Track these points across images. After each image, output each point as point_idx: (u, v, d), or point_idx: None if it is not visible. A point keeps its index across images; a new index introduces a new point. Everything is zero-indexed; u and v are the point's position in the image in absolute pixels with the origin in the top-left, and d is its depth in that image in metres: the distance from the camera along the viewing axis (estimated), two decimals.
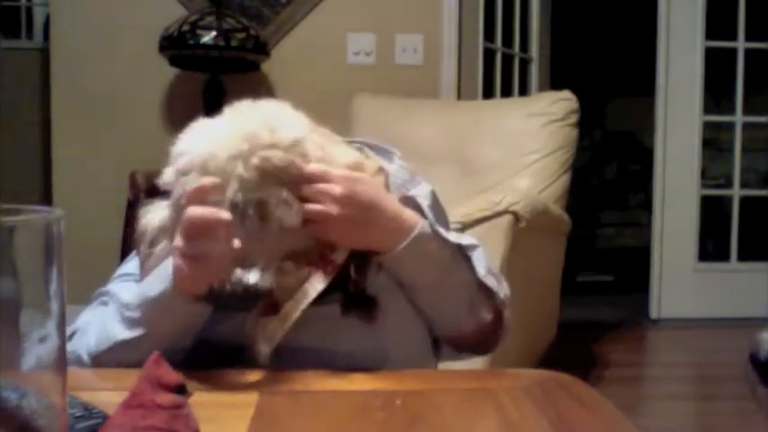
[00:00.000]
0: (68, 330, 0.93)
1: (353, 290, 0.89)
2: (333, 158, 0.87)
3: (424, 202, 0.95)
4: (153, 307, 0.84)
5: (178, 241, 0.80)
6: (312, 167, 0.84)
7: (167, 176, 0.84)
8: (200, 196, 0.78)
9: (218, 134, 0.84)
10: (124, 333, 0.86)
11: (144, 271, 0.89)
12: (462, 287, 0.94)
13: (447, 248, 0.93)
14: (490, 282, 0.96)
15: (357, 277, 0.89)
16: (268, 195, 0.81)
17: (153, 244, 0.87)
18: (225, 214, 0.77)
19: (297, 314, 0.83)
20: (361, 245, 0.88)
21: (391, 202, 0.90)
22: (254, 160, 0.80)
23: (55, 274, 0.42)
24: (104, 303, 0.95)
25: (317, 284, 0.84)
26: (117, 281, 0.98)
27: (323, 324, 0.87)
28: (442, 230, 0.93)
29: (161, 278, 0.84)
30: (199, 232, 0.78)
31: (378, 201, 0.88)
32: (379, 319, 0.89)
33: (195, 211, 0.77)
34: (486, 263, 0.97)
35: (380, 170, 0.93)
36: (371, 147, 1.03)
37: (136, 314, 0.86)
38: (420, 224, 0.91)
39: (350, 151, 0.92)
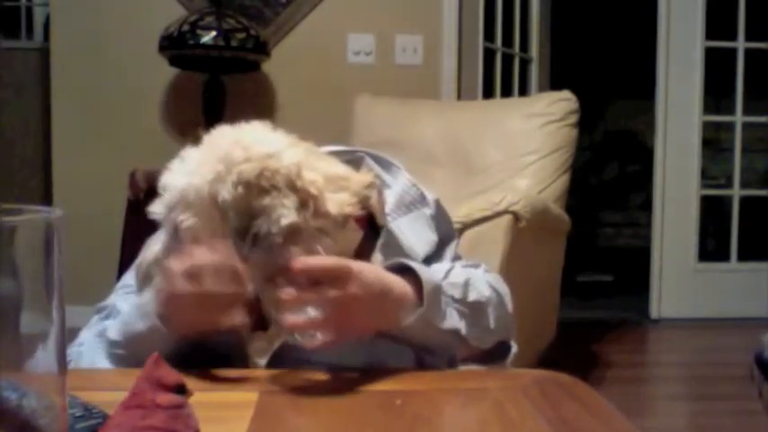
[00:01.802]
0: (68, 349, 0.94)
1: None
2: (318, 168, 0.85)
3: (419, 266, 0.89)
4: (139, 342, 0.84)
5: (181, 286, 0.80)
6: (296, 264, 0.79)
7: (157, 209, 0.85)
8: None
9: (194, 163, 0.84)
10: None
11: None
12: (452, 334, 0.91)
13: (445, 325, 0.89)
14: (491, 336, 0.93)
15: None
16: (261, 207, 0.80)
17: (147, 277, 0.87)
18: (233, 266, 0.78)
19: (283, 336, 0.83)
20: (363, 332, 0.85)
21: (382, 286, 0.84)
22: (232, 177, 0.80)
23: (55, 274, 0.42)
24: (106, 317, 0.96)
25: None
26: (120, 292, 0.98)
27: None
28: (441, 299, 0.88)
29: (145, 314, 0.84)
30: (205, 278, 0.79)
31: (369, 292, 0.82)
32: (367, 337, 0.88)
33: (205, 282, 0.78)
34: (486, 288, 0.94)
35: (371, 185, 0.89)
36: (374, 157, 1.01)
37: (123, 352, 0.86)
38: (417, 305, 0.86)
39: (335, 164, 0.90)
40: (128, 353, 0.85)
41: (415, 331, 0.85)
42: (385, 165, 1.01)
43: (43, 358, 0.42)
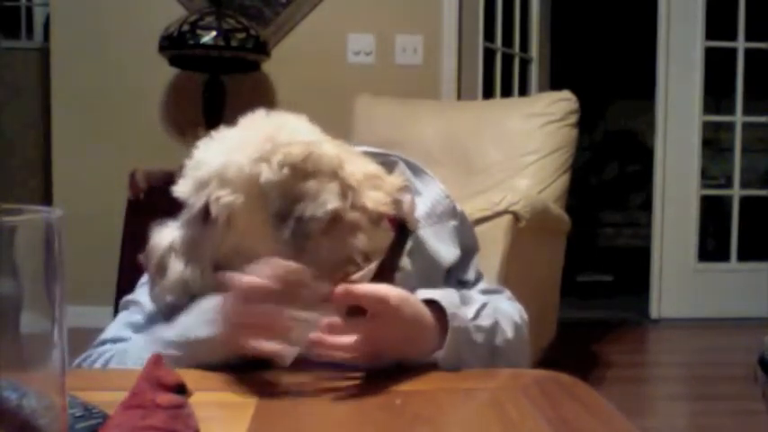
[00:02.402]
0: (97, 340, 0.92)
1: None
2: (352, 166, 0.84)
3: (450, 300, 0.86)
4: (200, 346, 0.81)
5: (234, 309, 0.76)
6: (362, 289, 0.78)
7: (184, 188, 0.82)
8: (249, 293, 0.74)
9: (236, 141, 0.82)
10: None
11: (155, 292, 0.86)
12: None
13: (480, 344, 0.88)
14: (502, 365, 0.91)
15: None
16: (305, 191, 0.78)
17: (161, 265, 0.84)
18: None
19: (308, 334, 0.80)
20: (386, 359, 0.83)
21: (415, 322, 0.82)
22: (278, 157, 0.78)
23: (55, 274, 0.42)
24: (136, 312, 0.92)
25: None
26: (144, 288, 0.94)
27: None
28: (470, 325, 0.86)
29: (205, 321, 0.80)
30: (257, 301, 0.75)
31: (402, 327, 0.81)
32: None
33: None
34: (510, 328, 0.93)
35: (403, 188, 0.88)
36: (407, 163, 1.00)
37: (180, 353, 0.82)
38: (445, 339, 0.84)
39: (369, 163, 0.89)
40: (185, 355, 0.81)
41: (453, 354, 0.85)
42: (417, 171, 1.00)
43: (43, 358, 0.42)
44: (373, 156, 0.95)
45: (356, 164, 0.85)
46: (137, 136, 3.37)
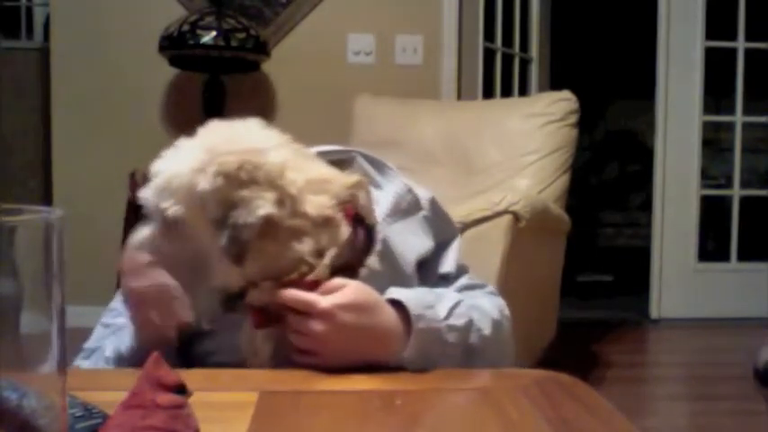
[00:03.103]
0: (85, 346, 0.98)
1: None
2: (302, 170, 0.87)
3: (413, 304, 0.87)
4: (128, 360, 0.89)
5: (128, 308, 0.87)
6: (288, 296, 0.83)
7: (145, 194, 0.86)
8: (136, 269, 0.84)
9: (184, 152, 0.86)
10: None
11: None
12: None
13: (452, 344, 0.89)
14: (483, 365, 0.92)
15: None
16: (239, 199, 0.82)
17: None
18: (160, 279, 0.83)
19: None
20: (342, 363, 0.85)
21: (360, 327, 0.85)
22: (213, 167, 0.82)
23: (55, 274, 0.42)
24: (106, 326, 0.99)
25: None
26: (107, 315, 1.01)
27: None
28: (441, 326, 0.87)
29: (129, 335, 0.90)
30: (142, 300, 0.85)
31: (362, 326, 0.84)
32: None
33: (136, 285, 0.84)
34: (488, 325, 0.93)
35: (356, 186, 0.89)
36: (368, 158, 1.01)
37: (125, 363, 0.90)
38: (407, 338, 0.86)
39: (322, 166, 0.91)
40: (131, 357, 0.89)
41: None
42: (379, 166, 1.01)
43: (43, 358, 0.42)
44: (332, 154, 0.98)
45: (302, 170, 0.87)
46: (137, 136, 3.37)
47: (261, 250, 0.83)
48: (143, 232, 0.88)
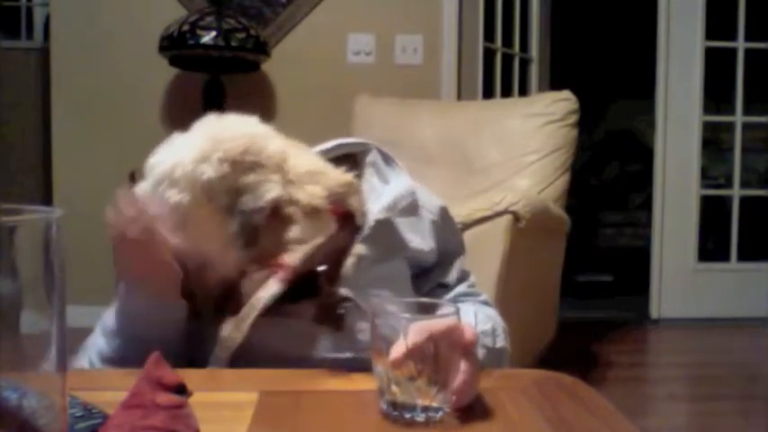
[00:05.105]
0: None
1: (324, 298, 0.89)
2: (301, 158, 0.88)
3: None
4: (128, 303, 0.87)
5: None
6: (395, 355, 0.68)
7: (143, 189, 0.86)
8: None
9: (184, 143, 0.86)
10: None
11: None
12: None
13: None
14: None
15: (328, 286, 0.89)
16: (246, 184, 0.82)
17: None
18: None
19: (251, 320, 0.83)
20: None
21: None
22: (218, 154, 0.82)
23: (55, 274, 0.42)
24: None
25: (271, 289, 0.84)
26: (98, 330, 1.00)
27: (295, 330, 0.88)
28: None
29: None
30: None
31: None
32: (345, 330, 0.88)
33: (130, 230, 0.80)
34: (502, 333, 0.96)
35: (347, 184, 0.90)
36: (382, 153, 1.02)
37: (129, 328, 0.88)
38: None
39: (317, 160, 0.92)
40: (130, 322, 0.87)
41: None
42: (389, 161, 1.03)
43: (43, 358, 0.42)
44: (349, 146, 1.00)
45: (301, 158, 0.88)
46: (137, 136, 3.36)
47: (265, 237, 0.83)
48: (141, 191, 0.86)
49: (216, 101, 3.14)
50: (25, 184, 4.18)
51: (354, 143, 1.02)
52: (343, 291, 0.89)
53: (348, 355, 0.88)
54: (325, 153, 0.99)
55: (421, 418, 0.69)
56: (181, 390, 0.61)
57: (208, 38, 2.99)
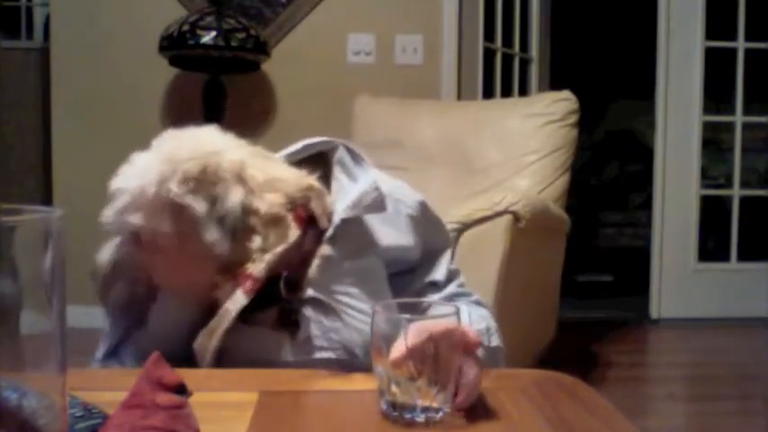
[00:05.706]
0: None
1: (285, 306, 0.91)
2: (259, 168, 0.89)
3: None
4: (161, 315, 0.91)
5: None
6: (395, 355, 0.69)
7: (107, 216, 0.89)
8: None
9: (143, 166, 0.87)
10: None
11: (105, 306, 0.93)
12: None
13: None
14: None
15: (288, 294, 0.90)
16: (215, 194, 0.84)
17: (106, 284, 0.95)
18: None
19: (221, 331, 0.84)
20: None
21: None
22: (178, 176, 0.84)
23: (55, 274, 0.42)
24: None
25: (238, 301, 0.85)
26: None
27: (261, 337, 0.90)
28: None
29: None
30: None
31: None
32: (301, 335, 0.89)
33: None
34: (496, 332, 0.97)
35: (310, 188, 0.90)
36: (350, 150, 1.01)
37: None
38: None
39: (280, 166, 0.93)
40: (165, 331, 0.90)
41: None
42: (357, 159, 1.02)
43: (43, 358, 0.42)
44: (315, 146, 1.00)
45: (260, 168, 0.89)
46: (137, 136, 3.35)
47: (232, 245, 0.85)
48: (107, 254, 0.91)
49: (216, 101, 3.14)
50: (25, 184, 4.18)
51: (320, 142, 1.01)
52: (310, 292, 0.90)
53: (309, 357, 0.89)
54: (294, 155, 1.00)
55: (421, 418, 0.69)
56: (181, 390, 0.61)
57: (208, 38, 2.99)
